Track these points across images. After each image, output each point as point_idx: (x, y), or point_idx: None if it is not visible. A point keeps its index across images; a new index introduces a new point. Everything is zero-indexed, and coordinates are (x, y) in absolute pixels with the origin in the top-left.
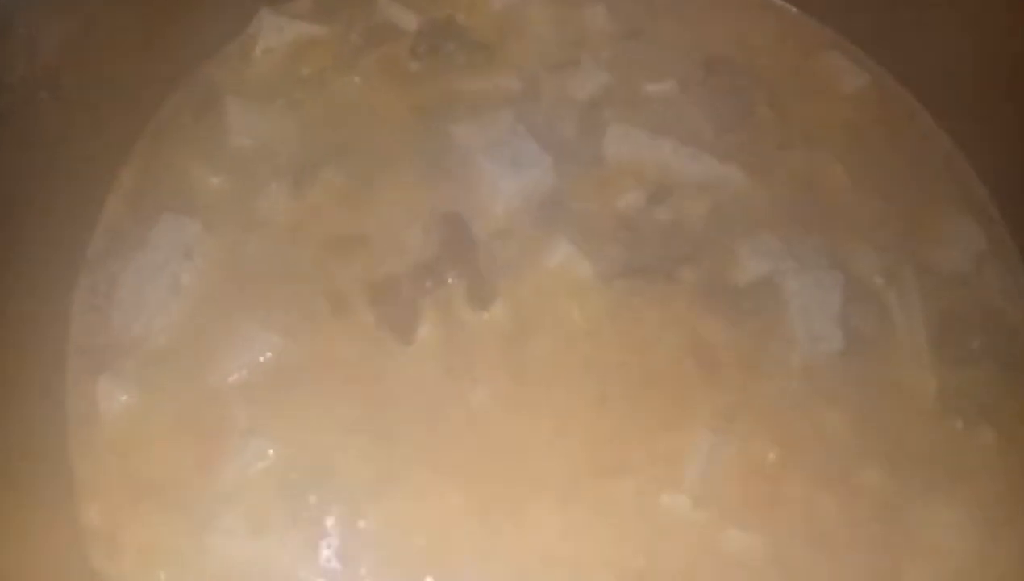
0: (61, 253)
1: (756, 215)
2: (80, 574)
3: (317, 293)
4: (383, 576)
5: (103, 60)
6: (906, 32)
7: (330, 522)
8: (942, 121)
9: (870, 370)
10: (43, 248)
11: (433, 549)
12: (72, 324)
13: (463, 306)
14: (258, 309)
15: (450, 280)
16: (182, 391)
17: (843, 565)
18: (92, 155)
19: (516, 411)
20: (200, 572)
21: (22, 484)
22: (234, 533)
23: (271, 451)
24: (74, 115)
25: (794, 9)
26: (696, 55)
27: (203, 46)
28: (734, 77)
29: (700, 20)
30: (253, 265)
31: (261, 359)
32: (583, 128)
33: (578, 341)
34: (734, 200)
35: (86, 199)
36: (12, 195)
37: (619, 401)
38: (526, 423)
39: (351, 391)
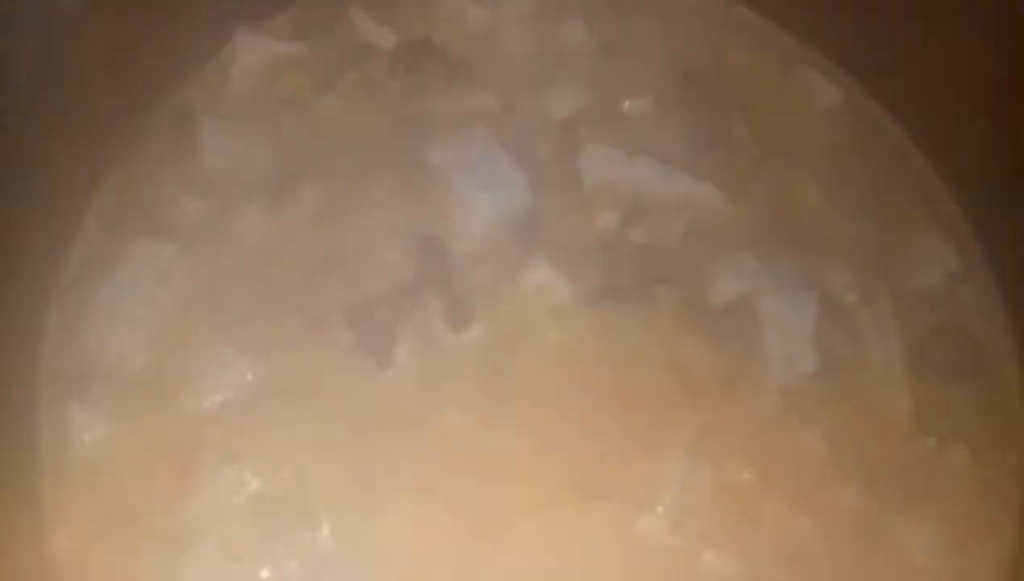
0: (33, 277)
1: (733, 234)
2: None
3: (294, 315)
4: None
5: (77, 82)
6: (880, 49)
7: (308, 548)
8: (916, 139)
9: (844, 390)
10: (15, 272)
11: (414, 573)
12: (44, 349)
13: (441, 327)
14: (234, 332)
15: (428, 302)
16: (157, 417)
17: None
18: (66, 178)
19: (496, 433)
20: None
21: None
22: (208, 562)
23: (247, 477)
24: (48, 138)
25: (768, 24)
26: (673, 70)
27: (180, 66)
28: (711, 93)
29: (677, 35)
30: (229, 287)
31: (237, 383)
32: (559, 147)
33: (557, 362)
34: (711, 219)
35: (59, 223)
36: None
37: (599, 422)
38: (506, 445)
39: (329, 414)
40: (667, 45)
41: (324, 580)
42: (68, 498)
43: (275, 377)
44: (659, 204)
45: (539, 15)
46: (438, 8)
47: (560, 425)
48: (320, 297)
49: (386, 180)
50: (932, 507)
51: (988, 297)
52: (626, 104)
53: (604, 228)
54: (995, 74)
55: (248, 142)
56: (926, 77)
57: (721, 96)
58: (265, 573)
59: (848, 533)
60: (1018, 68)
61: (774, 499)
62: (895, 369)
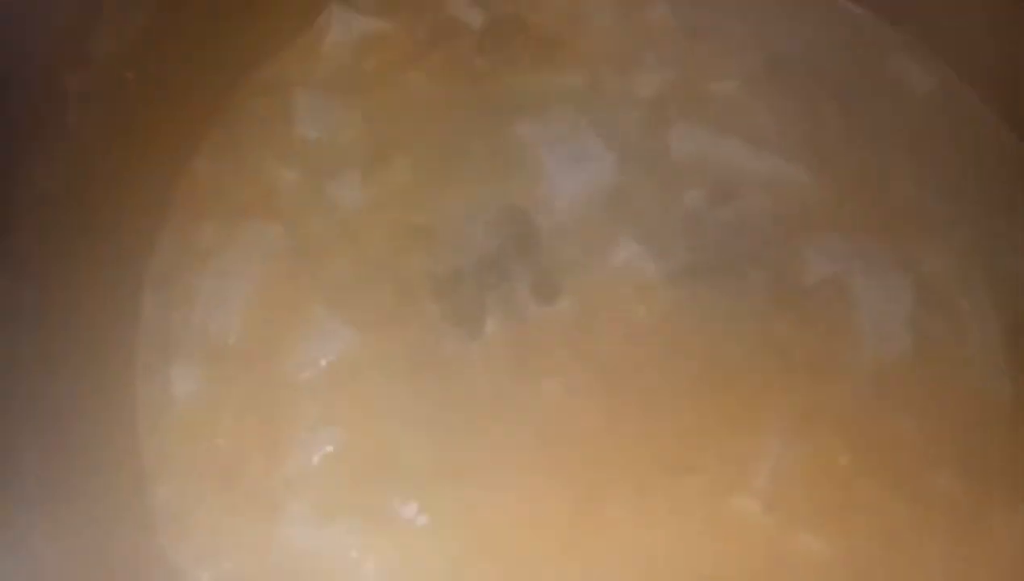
0: (128, 259)
1: (822, 215)
2: (149, 554)
3: (385, 286)
4: (453, 571)
5: (183, 44)
6: (975, 34)
7: (400, 514)
8: (1012, 125)
9: (942, 374)
10: (115, 238)
11: (505, 543)
12: (143, 319)
13: (528, 301)
14: (332, 303)
15: (515, 275)
16: (253, 381)
17: (917, 571)
18: (157, 154)
19: (588, 405)
20: (266, 558)
21: (94, 465)
22: (301, 521)
23: (340, 442)
24: (154, 98)
25: (860, 9)
26: (760, 54)
27: (274, 36)
28: (799, 77)
29: (763, 20)
30: (324, 258)
31: (333, 352)
32: (647, 125)
33: (648, 337)
34: (800, 200)
35: (161, 187)
36: (89, 180)
37: (691, 398)
38: (598, 417)
39: (420, 385)
40: (754, 30)
41: (414, 546)
42: (167, 454)
43: (368, 347)
44: (747, 183)
45: None
46: None
47: (652, 399)
48: (409, 269)
49: (474, 155)
50: None
51: None
52: (713, 85)
53: (692, 206)
54: None
55: (340, 114)
56: (1021, 63)
57: (810, 80)
58: (356, 536)
59: (945, 520)
60: None
61: (869, 483)
62: (995, 354)
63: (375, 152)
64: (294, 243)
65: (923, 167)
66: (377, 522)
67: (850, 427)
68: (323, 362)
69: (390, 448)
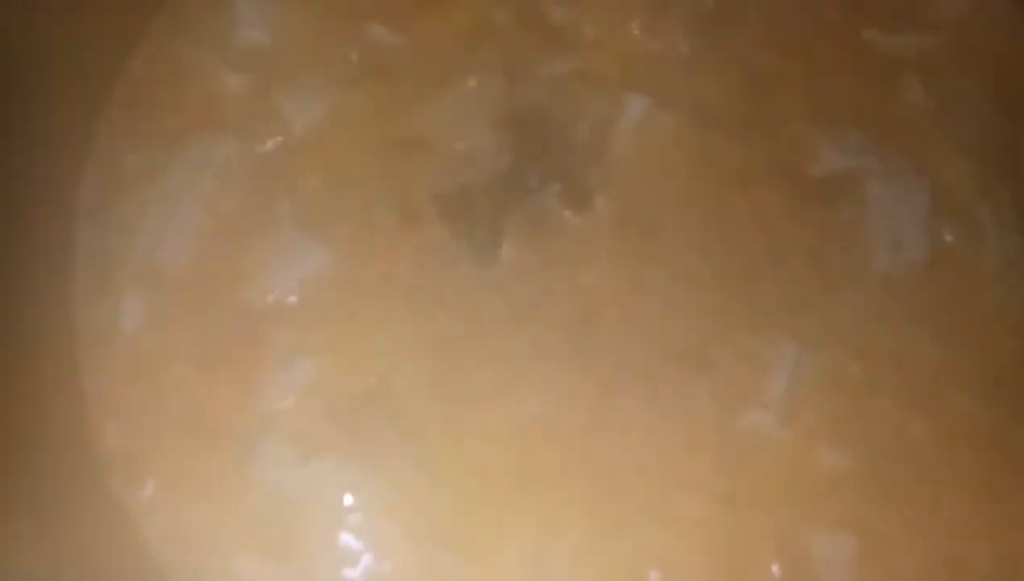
0: (61, 161)
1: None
2: (98, 501)
3: (376, 204)
4: (453, 508)
5: None
6: None
7: (389, 449)
8: None
9: (959, 286)
10: (41, 156)
11: (511, 475)
12: (79, 243)
13: (558, 210)
14: (305, 220)
15: (533, 184)
16: (217, 309)
17: (942, 488)
18: (91, 54)
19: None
20: (238, 503)
21: (29, 400)
22: (278, 460)
23: (322, 372)
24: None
25: None
26: None
27: None
28: None
29: None
30: (293, 172)
31: (310, 274)
32: None
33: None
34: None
35: (90, 100)
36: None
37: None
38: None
39: (419, 311)
40: None
41: (405, 483)
42: (114, 392)
43: (355, 270)
44: None
45: None
46: None
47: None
48: (403, 184)
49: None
50: None
51: None
52: None
53: None
54: None
55: (293, 11)
56: None
57: None
58: (340, 473)
59: (966, 439)
60: None
61: (885, 398)
62: (1016, 266)
63: (342, 50)
64: (251, 158)
65: (939, 71)
66: (366, 460)
67: (859, 335)
68: (297, 286)
69: (379, 379)
